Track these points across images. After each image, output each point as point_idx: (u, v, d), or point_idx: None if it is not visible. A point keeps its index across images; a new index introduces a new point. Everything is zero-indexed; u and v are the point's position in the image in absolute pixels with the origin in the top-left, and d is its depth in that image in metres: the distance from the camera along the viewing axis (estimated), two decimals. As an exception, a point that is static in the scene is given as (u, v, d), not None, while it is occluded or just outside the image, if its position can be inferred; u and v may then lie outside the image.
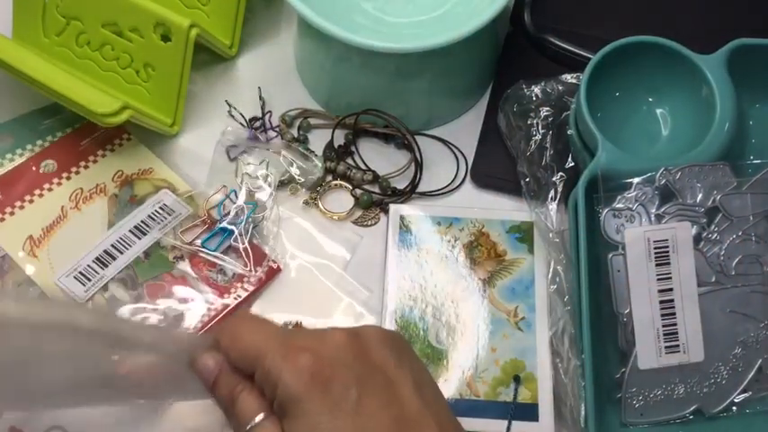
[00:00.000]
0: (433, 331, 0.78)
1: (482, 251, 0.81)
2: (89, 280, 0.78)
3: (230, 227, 0.81)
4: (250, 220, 0.82)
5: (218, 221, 0.82)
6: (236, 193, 0.83)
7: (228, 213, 0.82)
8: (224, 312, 0.78)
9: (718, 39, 0.79)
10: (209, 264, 0.81)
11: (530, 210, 0.82)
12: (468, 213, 0.83)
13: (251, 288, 0.80)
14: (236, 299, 0.79)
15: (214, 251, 0.81)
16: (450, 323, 0.78)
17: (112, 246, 0.80)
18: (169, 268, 0.80)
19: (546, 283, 0.79)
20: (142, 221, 0.81)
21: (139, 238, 0.81)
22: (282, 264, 0.82)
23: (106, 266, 0.79)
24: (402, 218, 0.83)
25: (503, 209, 0.84)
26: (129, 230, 0.81)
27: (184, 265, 0.80)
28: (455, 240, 0.82)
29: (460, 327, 0.78)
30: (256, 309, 0.81)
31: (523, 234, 0.82)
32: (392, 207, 0.84)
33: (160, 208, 0.82)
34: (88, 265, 0.79)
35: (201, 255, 0.81)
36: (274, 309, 0.81)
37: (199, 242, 0.81)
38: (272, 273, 0.81)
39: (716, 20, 0.89)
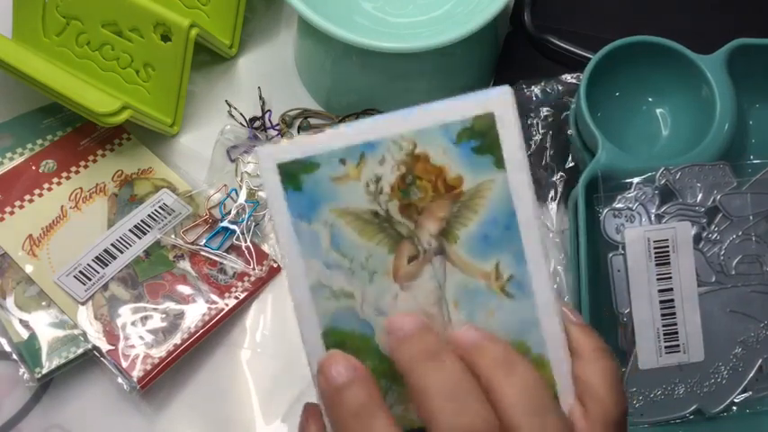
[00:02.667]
0: (384, 335, 0.50)
1: (423, 187, 0.49)
2: (89, 279, 0.78)
3: (232, 226, 0.82)
4: (251, 218, 0.82)
5: (219, 220, 0.82)
6: (236, 191, 0.83)
7: (230, 212, 0.82)
8: (224, 312, 0.78)
9: (718, 39, 0.79)
10: (210, 263, 0.81)
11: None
12: (386, 131, 0.49)
13: (251, 287, 0.80)
14: (236, 298, 0.79)
15: (216, 250, 0.81)
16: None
17: (112, 245, 0.80)
18: (169, 267, 0.80)
19: (533, 208, 0.49)
20: (142, 221, 0.81)
21: (139, 238, 0.81)
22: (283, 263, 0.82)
23: (106, 265, 0.79)
24: (283, 169, 0.49)
25: (439, 105, 0.50)
26: (129, 230, 0.81)
27: (185, 264, 0.80)
28: (377, 183, 0.49)
29: (419, 314, 0.50)
30: (256, 308, 0.81)
31: (483, 139, 0.49)
32: (260, 152, 0.49)
33: (160, 207, 0.82)
34: (88, 264, 0.79)
35: (204, 254, 0.81)
36: (273, 308, 0.81)
37: (202, 242, 0.81)
38: (273, 272, 0.81)
39: (716, 20, 0.89)
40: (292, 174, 0.49)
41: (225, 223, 0.82)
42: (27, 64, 0.80)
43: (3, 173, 0.83)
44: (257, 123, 0.88)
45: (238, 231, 0.81)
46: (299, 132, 0.89)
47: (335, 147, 0.49)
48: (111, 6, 0.84)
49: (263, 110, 0.89)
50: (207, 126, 0.89)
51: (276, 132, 0.88)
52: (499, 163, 0.49)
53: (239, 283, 0.80)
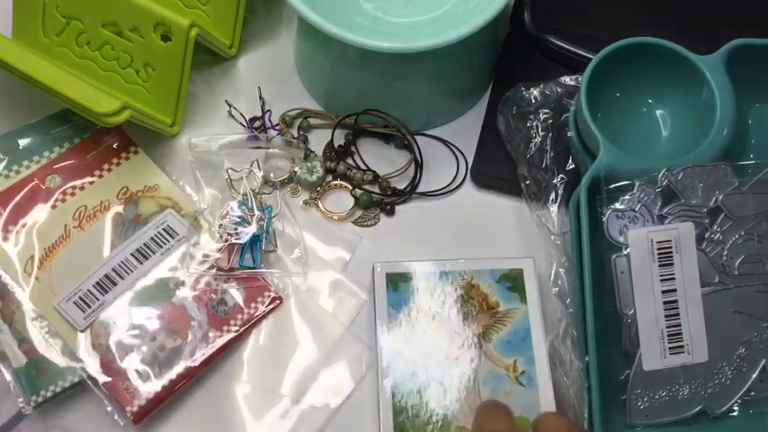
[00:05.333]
0: (434, 395, 0.75)
1: (474, 305, 0.78)
2: (89, 306, 0.78)
3: (254, 232, 0.81)
4: (271, 225, 0.82)
5: (237, 236, 0.81)
6: (246, 205, 0.82)
7: (248, 224, 0.81)
8: (222, 345, 0.78)
9: (718, 39, 0.79)
10: (211, 291, 0.80)
11: (530, 212, 0.82)
12: (455, 266, 0.80)
13: (250, 320, 0.80)
14: (235, 331, 0.79)
15: (255, 266, 0.81)
16: (449, 383, 0.75)
17: (113, 270, 0.79)
18: (168, 296, 0.79)
19: (543, 332, 0.77)
20: (144, 244, 0.80)
21: (141, 263, 0.80)
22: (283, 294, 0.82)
23: (106, 292, 0.78)
24: (388, 276, 0.79)
25: (489, 258, 0.81)
26: (131, 254, 0.80)
27: (184, 293, 0.79)
28: (445, 295, 0.79)
29: (460, 387, 0.75)
30: (254, 340, 0.80)
31: (513, 282, 0.79)
32: (377, 267, 0.80)
33: (163, 230, 0.81)
34: (88, 290, 0.78)
35: (245, 274, 0.81)
36: (271, 342, 0.80)
37: (236, 263, 0.81)
38: (273, 302, 0.81)
39: (716, 20, 0.89)
40: (394, 280, 0.79)
41: (247, 237, 0.81)
42: (27, 64, 0.79)
43: (8, 187, 0.82)
44: (257, 123, 0.88)
45: (263, 237, 0.81)
46: (299, 132, 0.88)
47: (425, 270, 0.79)
48: (111, 6, 0.83)
49: (263, 110, 0.89)
50: (207, 126, 0.89)
51: (276, 132, 0.88)
52: (523, 299, 0.78)
53: (238, 315, 0.79)
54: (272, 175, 0.85)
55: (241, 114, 0.88)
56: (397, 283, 0.79)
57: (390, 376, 0.75)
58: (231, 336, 0.78)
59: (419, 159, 0.86)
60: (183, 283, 0.80)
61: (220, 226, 0.82)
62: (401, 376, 0.75)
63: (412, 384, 0.75)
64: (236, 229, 0.81)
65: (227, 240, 0.81)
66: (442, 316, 0.78)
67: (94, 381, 0.76)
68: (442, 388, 0.75)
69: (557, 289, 0.78)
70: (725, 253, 0.74)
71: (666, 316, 0.72)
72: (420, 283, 0.79)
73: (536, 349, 0.76)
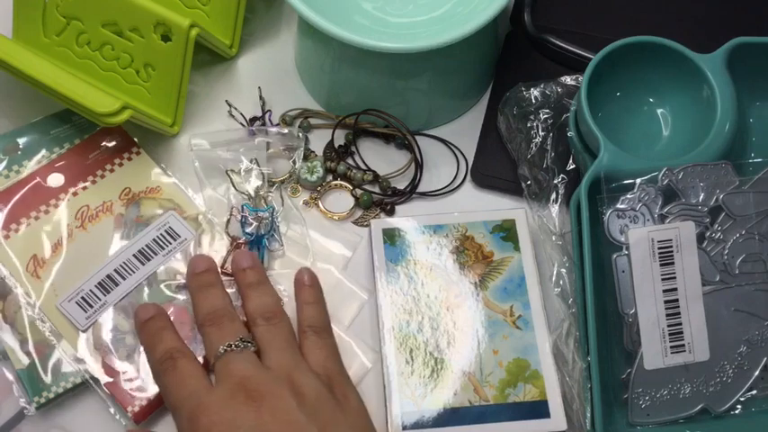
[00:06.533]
0: (432, 341, 0.77)
1: (469, 255, 0.81)
2: (91, 306, 0.77)
3: (258, 234, 0.81)
4: (276, 222, 0.82)
5: (240, 237, 0.81)
6: (248, 206, 0.82)
7: (251, 224, 0.81)
8: None
9: (718, 38, 0.79)
10: None
11: (531, 212, 0.82)
12: (449, 219, 0.83)
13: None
14: None
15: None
16: (448, 331, 0.78)
17: (115, 270, 0.79)
18: (171, 298, 0.79)
19: (536, 277, 0.79)
20: (147, 245, 0.80)
21: (143, 264, 0.79)
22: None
23: (108, 292, 0.78)
24: (384, 232, 0.82)
25: (483, 209, 0.84)
26: (134, 255, 0.80)
27: (187, 294, 0.79)
28: (441, 248, 0.81)
29: (459, 333, 0.77)
30: None
31: (507, 232, 0.82)
32: (373, 223, 0.83)
33: (165, 231, 0.81)
34: (90, 290, 0.78)
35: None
36: None
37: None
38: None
39: (716, 19, 0.90)
40: (390, 235, 0.81)
41: (250, 237, 0.81)
42: (27, 64, 0.79)
43: (10, 186, 0.82)
44: (257, 123, 0.88)
45: (265, 241, 0.81)
46: (299, 132, 0.89)
47: (420, 224, 0.82)
48: (111, 6, 0.83)
49: (263, 110, 0.89)
50: (207, 126, 0.89)
51: (276, 132, 0.88)
52: (516, 247, 0.81)
53: (241, 317, 0.78)
54: (272, 174, 0.85)
55: (241, 114, 0.88)
56: (394, 237, 0.82)
57: (391, 327, 0.78)
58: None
59: (419, 159, 0.86)
60: (184, 286, 0.79)
61: (225, 226, 0.82)
62: (401, 327, 0.78)
63: (412, 333, 0.78)
64: (238, 230, 0.81)
65: (230, 241, 0.81)
66: (438, 267, 0.80)
67: (96, 381, 0.76)
68: (441, 335, 0.78)
69: (558, 289, 0.78)
70: (726, 252, 0.74)
71: (667, 315, 0.72)
72: (416, 237, 0.82)
73: (531, 294, 0.79)
